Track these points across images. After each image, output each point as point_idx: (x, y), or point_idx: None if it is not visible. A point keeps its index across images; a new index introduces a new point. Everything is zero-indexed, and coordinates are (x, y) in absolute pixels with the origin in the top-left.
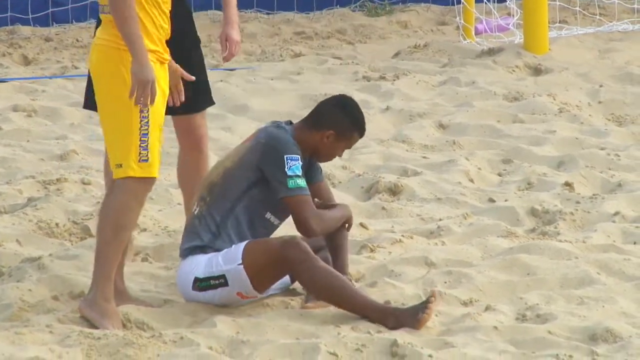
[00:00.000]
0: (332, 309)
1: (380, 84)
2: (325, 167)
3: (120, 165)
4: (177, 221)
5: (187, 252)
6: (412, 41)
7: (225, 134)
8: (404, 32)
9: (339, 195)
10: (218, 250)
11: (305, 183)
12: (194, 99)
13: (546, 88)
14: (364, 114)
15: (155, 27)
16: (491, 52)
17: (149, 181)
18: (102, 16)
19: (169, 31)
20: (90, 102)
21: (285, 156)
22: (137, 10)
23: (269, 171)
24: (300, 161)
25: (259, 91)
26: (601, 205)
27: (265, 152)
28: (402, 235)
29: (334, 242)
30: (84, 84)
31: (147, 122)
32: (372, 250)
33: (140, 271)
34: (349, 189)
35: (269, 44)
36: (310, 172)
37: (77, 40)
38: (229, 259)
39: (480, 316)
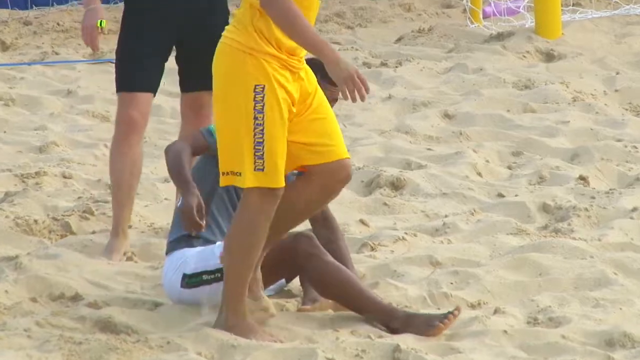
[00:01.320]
0: (331, 312)
1: (381, 70)
2: None
3: (239, 174)
4: (164, 218)
5: (172, 246)
6: (416, 25)
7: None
8: (407, 16)
9: None
10: (206, 240)
11: None
12: (208, 75)
13: (559, 75)
14: (365, 102)
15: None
16: (500, 36)
17: (269, 192)
18: (236, 11)
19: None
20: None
21: None
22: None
23: None
24: None
25: None
26: (618, 200)
27: None
28: (405, 233)
29: (332, 243)
30: (65, 71)
31: (262, 129)
32: (373, 249)
33: (124, 271)
34: (348, 184)
35: None
36: None
37: (58, 24)
38: None
39: (488, 319)
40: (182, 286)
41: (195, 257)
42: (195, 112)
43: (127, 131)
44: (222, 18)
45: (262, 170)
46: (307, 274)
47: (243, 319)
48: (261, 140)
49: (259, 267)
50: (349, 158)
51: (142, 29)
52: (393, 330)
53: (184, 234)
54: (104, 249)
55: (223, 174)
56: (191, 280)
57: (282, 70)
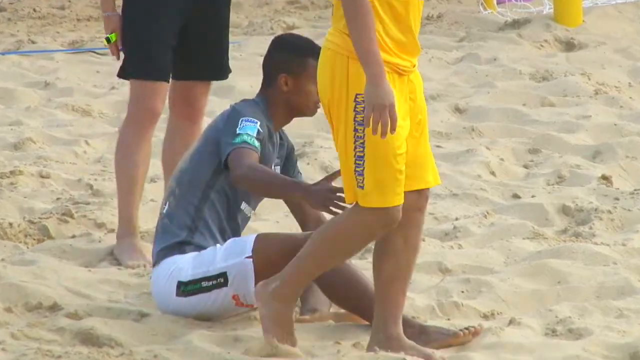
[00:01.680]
0: (332, 323)
1: None
2: (323, 159)
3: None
4: (150, 220)
5: (162, 255)
6: (424, 11)
7: (207, 119)
8: None
9: None
10: (199, 246)
11: (258, 145)
12: (207, 65)
13: (579, 66)
14: None
15: (388, 35)
16: (516, 24)
17: (372, 212)
18: (334, 1)
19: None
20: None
21: (241, 119)
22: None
23: (222, 137)
24: (259, 127)
25: (245, 69)
26: None
27: (225, 121)
28: None
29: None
30: (43, 61)
31: (363, 142)
32: None
33: (107, 279)
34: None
35: (258, 15)
36: (288, 169)
37: (35, 11)
38: (232, 253)
39: (503, 331)
40: (177, 295)
41: (191, 263)
42: (188, 103)
43: (147, 123)
44: (225, 1)
45: (362, 188)
46: (318, 279)
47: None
48: (362, 154)
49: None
50: (435, 185)
51: (153, 13)
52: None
53: (174, 241)
54: (117, 253)
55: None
56: (188, 288)
57: (391, 74)
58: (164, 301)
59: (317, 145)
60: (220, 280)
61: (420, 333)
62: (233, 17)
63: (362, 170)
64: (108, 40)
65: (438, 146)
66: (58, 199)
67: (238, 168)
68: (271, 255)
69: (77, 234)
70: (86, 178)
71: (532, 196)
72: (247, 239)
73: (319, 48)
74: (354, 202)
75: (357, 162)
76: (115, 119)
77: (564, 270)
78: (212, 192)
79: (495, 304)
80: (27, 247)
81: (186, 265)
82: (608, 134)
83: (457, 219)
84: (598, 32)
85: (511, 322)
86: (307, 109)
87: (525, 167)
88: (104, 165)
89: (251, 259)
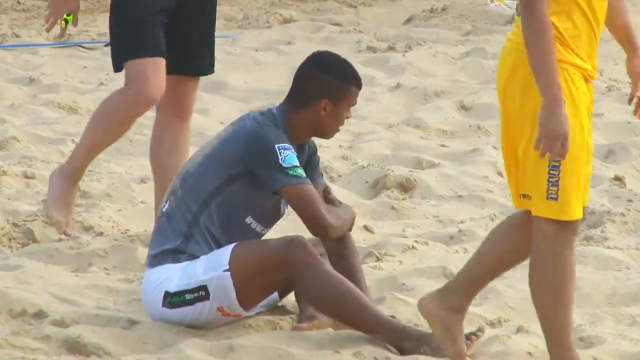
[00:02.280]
0: (331, 331)
1: (388, 56)
2: (322, 158)
3: (528, 197)
4: (141, 223)
5: (156, 260)
6: (428, 4)
7: (200, 117)
8: None
9: (338, 192)
10: (192, 255)
11: (305, 174)
12: (196, 60)
13: None
14: (369, 92)
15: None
16: None
17: (562, 225)
18: (517, 18)
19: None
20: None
21: (276, 146)
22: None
23: (258, 165)
24: (293, 151)
25: (240, 65)
26: None
27: (251, 143)
28: (416, 241)
29: (344, 260)
30: (27, 55)
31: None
32: (378, 259)
33: (95, 284)
34: (350, 184)
35: (253, 7)
36: (308, 173)
37: (19, 3)
38: (210, 266)
39: (510, 339)
40: (163, 305)
41: (179, 274)
42: (176, 100)
43: (140, 109)
44: None
45: (556, 199)
46: (302, 286)
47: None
48: (557, 164)
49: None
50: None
51: None
52: (405, 352)
53: (168, 247)
54: (50, 196)
55: (520, 195)
56: (173, 299)
57: (579, 82)
58: (151, 309)
59: (316, 144)
60: (201, 293)
61: (419, 344)
62: (227, 9)
63: (557, 180)
64: (66, 21)
65: (442, 145)
66: (44, 200)
67: (320, 217)
68: (249, 266)
69: (63, 238)
70: None
71: None
72: (225, 251)
73: (359, 76)
74: (539, 221)
75: (551, 171)
76: None
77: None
78: (213, 203)
79: (502, 311)
80: (11, 251)
81: (175, 275)
82: (621, 132)
83: (462, 221)
84: None
85: (519, 330)
86: (329, 133)
87: None
88: (91, 165)
89: (229, 272)
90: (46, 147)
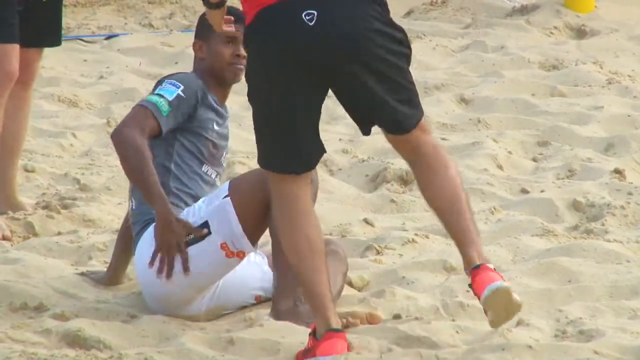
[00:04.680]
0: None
1: None
2: None
3: None
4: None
5: (139, 237)
6: None
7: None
8: None
9: (338, 185)
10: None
11: (169, 109)
12: (40, 31)
13: (591, 54)
14: None
15: None
16: (524, 10)
17: None
18: None
19: None
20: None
21: (166, 80)
22: None
23: None
24: (181, 92)
25: None
26: None
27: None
28: (416, 234)
29: None
30: None
31: None
32: (378, 253)
33: None
34: (350, 178)
35: None
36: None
37: None
38: (211, 199)
39: (510, 333)
40: None
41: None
42: (21, 67)
43: (5, 86)
44: None
45: None
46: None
47: None
48: None
49: None
50: None
51: None
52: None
53: (149, 217)
54: None
55: None
56: None
57: None
58: (150, 279)
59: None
60: (204, 231)
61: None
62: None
63: None
64: None
65: (443, 138)
66: (43, 194)
67: (124, 128)
68: (245, 188)
69: (63, 231)
70: (73, 172)
71: (542, 191)
72: (224, 184)
73: (231, 8)
74: None
75: None
76: (104, 110)
77: (574, 268)
78: (171, 165)
79: None
80: (11, 245)
81: None
82: (621, 125)
83: None
84: (611, 19)
85: (519, 323)
86: (223, 72)
87: (534, 160)
88: (91, 158)
89: (228, 197)
90: (46, 140)
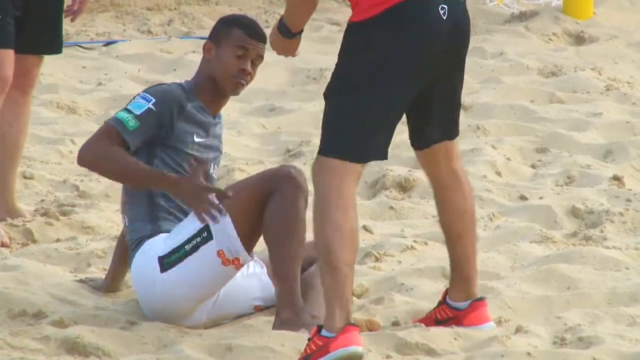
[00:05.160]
0: None
1: None
2: None
3: None
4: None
5: (134, 252)
6: None
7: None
8: None
9: None
10: (168, 231)
11: (136, 125)
12: (39, 38)
13: (590, 61)
14: None
15: None
16: (523, 16)
17: None
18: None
19: None
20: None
21: (141, 93)
22: None
23: None
24: (152, 105)
25: None
26: None
27: None
28: (415, 241)
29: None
30: None
31: None
32: (377, 259)
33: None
34: None
35: (251, 7)
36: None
37: None
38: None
39: (509, 340)
40: (162, 271)
41: (165, 238)
42: (19, 73)
43: (3, 90)
44: None
45: None
46: (275, 198)
47: None
48: None
49: None
50: None
51: None
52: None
53: (143, 234)
54: None
55: None
56: (171, 258)
57: None
58: (148, 291)
59: (315, 144)
60: (204, 235)
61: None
62: (225, 9)
63: None
64: None
65: None
66: (42, 200)
67: (84, 150)
68: (240, 194)
69: (62, 238)
70: (72, 179)
71: (540, 197)
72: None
73: (252, 21)
74: None
75: None
76: (103, 116)
77: (573, 275)
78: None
79: (501, 311)
80: (10, 252)
81: (161, 241)
82: (620, 132)
83: None
84: (610, 25)
85: (518, 330)
86: (224, 82)
87: (533, 167)
88: None
89: (221, 204)
90: (44, 147)
